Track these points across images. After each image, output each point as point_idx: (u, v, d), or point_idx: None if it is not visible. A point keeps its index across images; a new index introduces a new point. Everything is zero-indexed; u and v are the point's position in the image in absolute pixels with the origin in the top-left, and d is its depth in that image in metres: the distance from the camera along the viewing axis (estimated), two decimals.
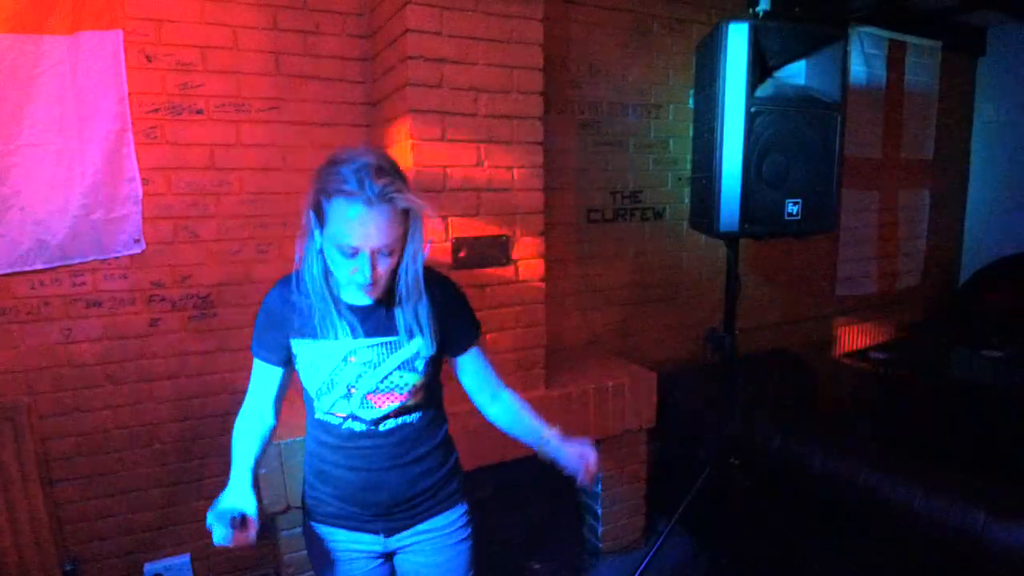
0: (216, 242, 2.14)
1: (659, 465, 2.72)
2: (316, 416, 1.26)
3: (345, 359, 1.18)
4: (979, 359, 3.48)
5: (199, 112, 2.06)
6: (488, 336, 1.18)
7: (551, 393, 2.24)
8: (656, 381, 2.47)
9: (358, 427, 1.23)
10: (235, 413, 1.22)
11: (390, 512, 1.27)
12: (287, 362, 1.25)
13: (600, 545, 2.54)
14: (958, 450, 2.69)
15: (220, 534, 1.00)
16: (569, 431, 2.35)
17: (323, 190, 1.07)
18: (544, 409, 2.21)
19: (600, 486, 2.48)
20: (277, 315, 1.21)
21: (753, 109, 2.08)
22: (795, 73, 2.22)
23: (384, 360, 1.20)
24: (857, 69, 3.51)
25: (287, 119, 2.18)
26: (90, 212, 1.94)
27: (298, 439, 1.82)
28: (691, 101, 2.79)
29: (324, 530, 1.31)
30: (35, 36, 1.80)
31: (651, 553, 2.20)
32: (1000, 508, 1.82)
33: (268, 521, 1.24)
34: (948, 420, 3.02)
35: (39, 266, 1.91)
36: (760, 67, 2.11)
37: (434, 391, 1.30)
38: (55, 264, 1.93)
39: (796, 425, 2.56)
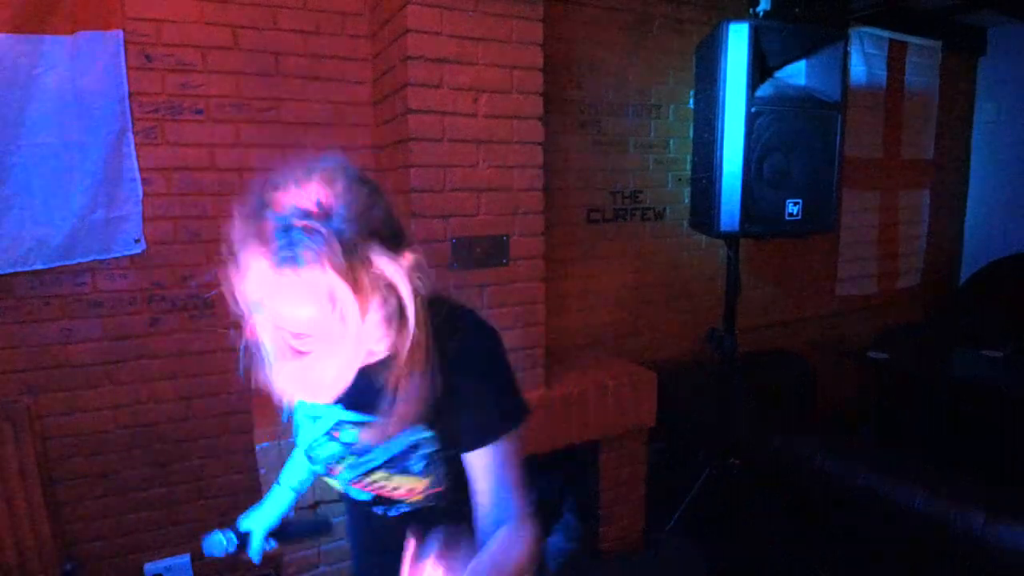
0: (216, 242, 2.13)
1: (659, 465, 2.72)
2: None
3: (328, 432, 0.91)
4: (979, 359, 3.48)
5: (199, 112, 2.06)
6: None
7: (551, 393, 2.24)
8: (656, 381, 2.47)
9: (358, 500, 0.96)
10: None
11: None
12: None
13: (600, 545, 2.54)
14: (958, 450, 2.69)
15: (212, 552, 1.08)
16: (569, 431, 2.34)
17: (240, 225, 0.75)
18: (544, 409, 2.22)
19: (600, 486, 2.48)
20: None
21: (753, 109, 2.08)
22: (795, 73, 2.22)
23: (365, 449, 0.88)
24: (857, 69, 3.51)
25: (287, 119, 2.18)
26: (90, 212, 1.94)
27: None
28: (691, 101, 2.79)
29: None
30: (35, 36, 1.80)
31: (651, 553, 2.20)
32: (1000, 508, 1.82)
33: (317, 528, 1.23)
34: (948, 420, 3.02)
35: (39, 266, 1.90)
36: (760, 67, 2.11)
37: (457, 481, 0.89)
38: (55, 264, 1.93)
39: (796, 425, 2.56)
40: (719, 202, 2.15)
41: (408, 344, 0.79)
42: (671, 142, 2.99)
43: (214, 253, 2.14)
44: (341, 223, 0.71)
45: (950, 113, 4.14)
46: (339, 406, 0.89)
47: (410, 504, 0.91)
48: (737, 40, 2.05)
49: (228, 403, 2.18)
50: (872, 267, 3.91)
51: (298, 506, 1.18)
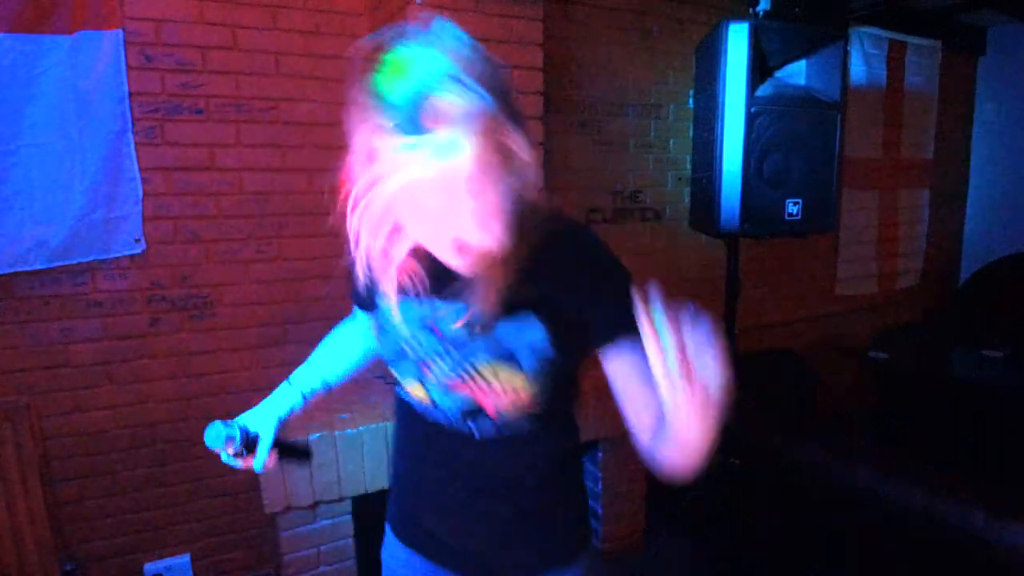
0: (216, 242, 2.14)
1: None
2: (398, 391, 0.97)
3: (427, 326, 0.84)
4: (979, 359, 3.48)
5: (199, 112, 2.06)
6: None
7: None
8: None
9: (442, 424, 0.90)
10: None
11: (477, 557, 0.96)
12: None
13: (600, 545, 2.54)
14: (958, 450, 2.69)
15: (214, 445, 0.93)
16: None
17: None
18: None
19: (600, 486, 2.48)
20: None
21: (753, 109, 2.08)
22: (795, 73, 2.22)
23: (468, 340, 0.82)
24: (857, 69, 3.51)
25: (287, 119, 2.18)
26: (90, 212, 1.94)
27: (299, 440, 1.82)
28: (691, 101, 2.79)
29: (393, 545, 1.05)
30: (35, 36, 1.80)
31: (651, 553, 2.20)
32: (1000, 508, 1.82)
33: (303, 450, 1.09)
34: (948, 420, 3.02)
35: (39, 266, 1.90)
36: (760, 67, 2.11)
37: (559, 398, 0.91)
38: (55, 264, 1.92)
39: (796, 425, 2.56)
40: (719, 202, 2.15)
41: (517, 231, 0.74)
42: (671, 142, 2.99)
43: (214, 253, 2.15)
44: (475, 89, 0.65)
45: (950, 113, 4.14)
46: (435, 298, 0.83)
47: (502, 420, 0.85)
48: (737, 40, 2.05)
49: (228, 403, 2.19)
50: (872, 267, 3.91)
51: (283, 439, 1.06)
